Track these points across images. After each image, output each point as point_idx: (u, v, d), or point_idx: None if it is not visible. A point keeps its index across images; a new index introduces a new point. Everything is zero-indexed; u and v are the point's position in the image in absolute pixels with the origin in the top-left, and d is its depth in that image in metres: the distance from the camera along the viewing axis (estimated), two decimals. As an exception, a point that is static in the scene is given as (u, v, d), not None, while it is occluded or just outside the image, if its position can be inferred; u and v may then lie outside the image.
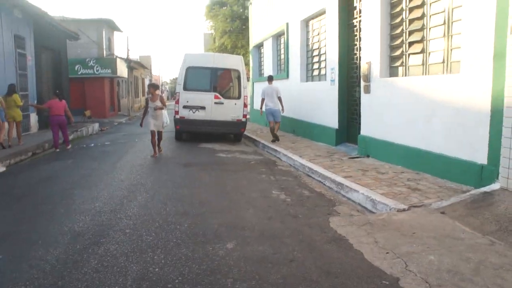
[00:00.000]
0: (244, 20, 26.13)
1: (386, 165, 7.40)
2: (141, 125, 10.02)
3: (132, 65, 33.08)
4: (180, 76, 12.23)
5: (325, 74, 10.78)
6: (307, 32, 12.52)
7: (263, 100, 11.85)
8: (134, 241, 4.08)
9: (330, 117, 10.27)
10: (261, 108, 12.10)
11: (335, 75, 9.95)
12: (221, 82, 12.38)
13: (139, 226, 4.53)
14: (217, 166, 8.40)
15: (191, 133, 12.72)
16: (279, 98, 11.63)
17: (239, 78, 12.19)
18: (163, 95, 51.99)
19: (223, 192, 6.27)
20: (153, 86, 9.99)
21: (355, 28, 9.39)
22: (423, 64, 6.86)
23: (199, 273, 3.34)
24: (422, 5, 6.83)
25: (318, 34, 11.64)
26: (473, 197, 4.97)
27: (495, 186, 5.03)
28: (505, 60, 4.84)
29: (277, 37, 15.85)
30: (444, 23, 6.28)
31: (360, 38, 8.92)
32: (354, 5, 9.36)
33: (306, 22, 12.47)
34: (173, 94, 13.94)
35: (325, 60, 10.86)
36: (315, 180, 7.03)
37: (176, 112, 11.97)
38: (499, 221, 4.15)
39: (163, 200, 5.68)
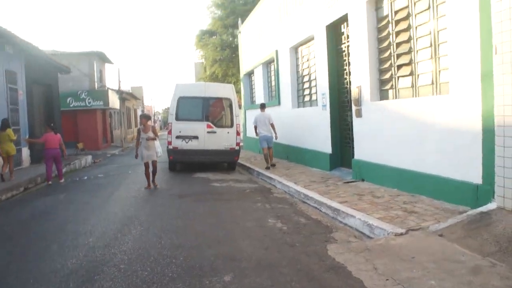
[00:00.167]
0: (234, 49, 26.47)
1: (381, 189, 7.37)
2: (136, 156, 9.82)
3: (124, 96, 33.21)
4: (172, 106, 12.27)
5: (316, 99, 10.87)
6: (297, 58, 12.69)
7: (255, 127, 11.98)
8: (128, 277, 3.98)
9: (323, 142, 10.29)
10: (256, 134, 12.13)
11: (326, 100, 10.03)
12: (213, 111, 12.42)
13: (134, 261, 4.43)
14: (212, 196, 8.33)
15: (185, 163, 12.66)
16: (272, 125, 11.78)
17: (231, 106, 12.24)
18: (156, 125, 52.03)
19: (218, 222, 6.18)
20: (145, 117, 9.95)
21: (343, 53, 9.53)
22: (412, 86, 6.94)
23: (196, 308, 3.25)
24: (408, 29, 6.96)
25: (307, 60, 11.79)
26: (470, 218, 4.94)
27: (491, 205, 5.01)
28: (492, 80, 4.91)
29: (267, 64, 16.04)
30: (431, 46, 6.39)
31: (349, 62, 9.05)
32: (342, 31, 9.52)
33: (295, 49, 12.65)
34: (165, 124, 13.97)
35: (315, 85, 10.96)
36: (311, 207, 6.97)
37: (169, 143, 11.95)
38: (499, 241, 4.11)
39: (157, 232, 5.59)
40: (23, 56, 14.08)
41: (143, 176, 9.75)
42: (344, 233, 5.37)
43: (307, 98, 12.01)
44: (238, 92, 20.56)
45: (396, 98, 7.43)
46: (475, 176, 5.37)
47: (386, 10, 7.62)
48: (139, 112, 50.70)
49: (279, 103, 13.85)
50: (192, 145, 11.90)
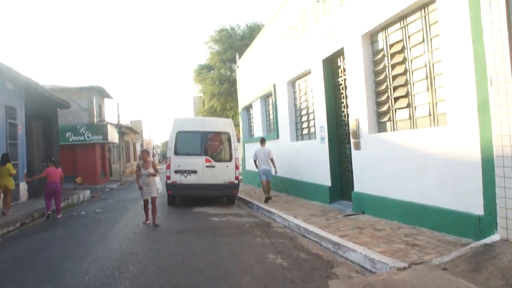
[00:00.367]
0: (232, 83, 26.83)
1: (382, 221, 7.29)
2: (140, 188, 9.31)
3: (123, 130, 33.35)
4: (170, 140, 12.30)
5: (315, 132, 10.91)
6: (294, 92, 12.82)
7: (255, 161, 12.08)
8: (125, 317, 3.86)
9: (322, 175, 10.26)
10: (256, 167, 12.15)
11: (324, 133, 10.06)
12: (211, 145, 12.45)
13: (131, 300, 4.31)
14: (211, 231, 8.21)
15: (184, 197, 12.56)
16: (272, 160, 11.89)
17: (229, 140, 12.29)
18: (155, 158, 51.96)
19: (217, 259, 6.06)
20: (146, 152, 9.85)
21: (341, 86, 9.63)
22: (410, 118, 6.98)
23: None
24: (403, 62, 7.07)
25: (305, 94, 11.91)
26: (474, 250, 4.85)
27: (495, 237, 4.93)
28: (489, 111, 4.93)
29: (265, 98, 16.19)
30: (427, 78, 6.48)
31: (346, 95, 9.14)
32: (338, 64, 9.67)
33: (292, 83, 12.80)
34: (164, 158, 13.98)
35: (313, 118, 11.03)
36: (311, 241, 6.86)
37: (168, 177, 11.90)
38: (505, 275, 4.02)
39: (155, 270, 5.47)
40: (23, 91, 14.22)
41: (141, 211, 9.64)
42: (345, 268, 5.27)
43: (305, 131, 12.05)
44: (236, 125, 20.70)
45: (394, 130, 7.46)
46: (476, 207, 5.32)
47: (381, 44, 7.77)
48: (138, 146, 50.85)
49: (277, 137, 13.90)
50: (191, 179, 11.85)
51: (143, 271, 5.44)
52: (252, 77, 17.65)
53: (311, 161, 11.01)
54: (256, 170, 12.24)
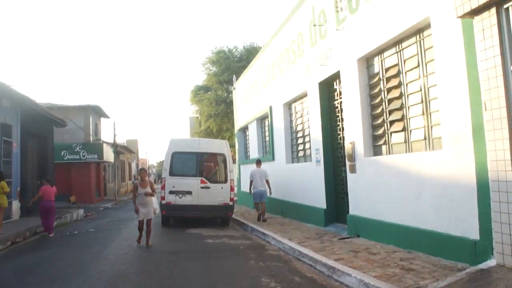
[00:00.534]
0: (229, 104, 26.94)
1: (377, 245, 7.23)
2: (136, 211, 9.04)
3: (119, 149, 33.27)
4: (166, 161, 12.29)
5: (310, 154, 10.92)
6: (290, 114, 12.88)
7: (251, 182, 12.12)
8: None
9: (317, 198, 10.22)
10: (250, 190, 12.23)
11: (320, 155, 10.07)
12: (207, 166, 12.46)
13: (120, 324, 4.21)
14: (205, 253, 8.11)
15: (178, 218, 12.46)
16: (267, 181, 11.98)
17: (225, 162, 12.30)
18: (150, 178, 51.75)
19: (210, 282, 5.95)
20: (145, 171, 9.64)
21: (336, 109, 9.69)
22: (405, 142, 7.00)
23: None
24: (399, 86, 7.14)
25: (301, 116, 11.96)
26: (470, 275, 4.80)
27: (491, 262, 4.89)
28: (484, 136, 4.96)
29: (261, 120, 16.25)
30: (422, 102, 6.53)
31: (342, 118, 9.18)
32: (334, 87, 9.75)
33: (288, 105, 12.87)
34: (159, 177, 13.92)
35: (309, 141, 11.06)
36: (306, 264, 6.78)
37: (162, 198, 11.82)
38: (500, 302, 3.97)
39: (147, 292, 5.37)
40: (19, 109, 14.22)
41: (135, 232, 9.52)
42: (340, 292, 5.19)
43: (301, 154, 12.07)
44: (232, 146, 20.70)
45: (389, 153, 7.47)
46: (472, 232, 5.29)
47: (377, 68, 7.85)
48: (133, 166, 50.65)
49: (273, 158, 13.89)
50: (186, 200, 11.78)
51: (134, 293, 5.33)
52: (249, 99, 17.75)
53: (307, 183, 10.99)
54: (250, 194, 12.38)
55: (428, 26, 6.21)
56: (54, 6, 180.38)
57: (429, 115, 6.41)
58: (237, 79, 20.67)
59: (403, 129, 7.03)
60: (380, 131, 7.73)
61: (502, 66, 4.58)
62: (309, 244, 7.76)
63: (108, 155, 28.23)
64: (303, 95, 11.43)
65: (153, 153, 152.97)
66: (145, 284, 5.80)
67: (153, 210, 9.15)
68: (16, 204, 13.76)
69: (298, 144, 12.25)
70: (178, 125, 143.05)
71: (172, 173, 11.98)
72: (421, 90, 6.57)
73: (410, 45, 6.85)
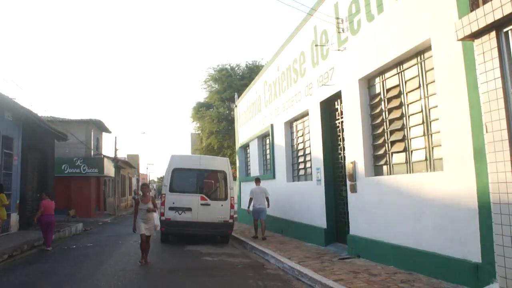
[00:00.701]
0: (231, 121, 27.00)
1: (378, 266, 7.16)
2: (134, 230, 8.98)
3: (120, 164, 33.22)
4: (166, 177, 12.28)
5: (311, 173, 10.90)
6: (291, 133, 12.91)
7: (251, 199, 12.20)
8: None
9: (318, 217, 10.16)
10: (248, 207, 12.25)
11: (321, 174, 10.05)
12: (207, 183, 12.46)
13: None
14: (203, 271, 8.03)
15: (177, 235, 12.37)
16: (267, 198, 12.10)
17: (225, 179, 12.29)
18: (151, 193, 51.63)
19: (208, 299, 5.89)
20: (147, 186, 9.45)
21: (338, 129, 9.71)
22: (406, 162, 7.00)
23: None
24: (400, 106, 7.17)
25: (302, 135, 11.98)
26: (471, 300, 4.74)
27: (494, 286, 4.83)
28: (485, 157, 4.96)
29: (262, 138, 16.27)
30: (423, 122, 6.55)
31: (343, 138, 9.19)
32: (336, 107, 9.78)
33: (290, 124, 12.91)
34: (160, 193, 13.88)
35: (310, 160, 11.05)
36: (305, 284, 6.70)
37: (162, 214, 11.75)
38: (502, 327, 3.90)
39: (143, 310, 5.30)
40: (21, 122, 14.27)
41: (133, 247, 9.45)
42: (340, 314, 5.11)
43: (302, 172, 12.05)
44: (233, 164, 20.68)
45: (390, 173, 7.45)
46: (474, 255, 5.25)
47: (378, 88, 7.90)
48: (134, 181, 50.52)
49: (274, 177, 13.86)
50: (185, 217, 11.72)
51: (131, 311, 5.26)
52: (250, 117, 17.81)
53: (307, 202, 10.94)
54: (248, 212, 12.60)
55: (429, 48, 6.27)
56: (58, 23, 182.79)
57: (430, 136, 6.42)
58: (239, 96, 20.77)
59: (404, 150, 7.03)
60: (381, 151, 7.73)
61: (502, 88, 4.61)
62: (308, 264, 7.69)
63: (109, 169, 28.20)
64: (305, 114, 11.47)
65: (154, 169, 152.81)
66: (142, 301, 5.72)
67: (154, 226, 8.99)
68: (14, 217, 13.70)
69: (299, 162, 12.24)
70: (179, 141, 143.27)
71: (172, 189, 11.95)
72: (422, 111, 6.59)
73: (411, 67, 6.91)
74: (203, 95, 37.71)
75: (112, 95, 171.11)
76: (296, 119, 12.35)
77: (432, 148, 6.37)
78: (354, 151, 8.37)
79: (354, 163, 8.35)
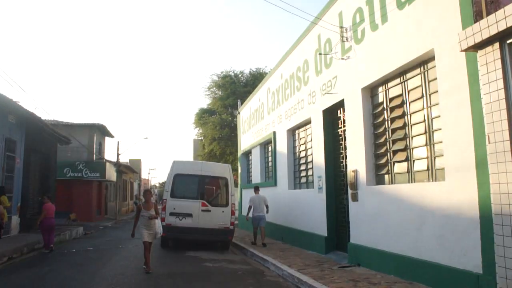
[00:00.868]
0: (233, 128, 27.05)
1: (378, 275, 7.13)
2: (132, 235, 8.92)
3: (122, 169, 33.27)
4: (167, 183, 12.29)
5: (313, 181, 10.89)
6: (294, 140, 12.92)
7: (250, 207, 12.37)
8: None
9: (319, 225, 10.14)
10: (247, 214, 12.33)
11: (322, 182, 10.05)
12: (208, 189, 12.47)
13: None
14: (202, 277, 8.01)
15: (178, 240, 12.36)
16: (266, 206, 12.26)
17: (226, 185, 12.31)
18: (152, 199, 51.63)
19: (207, 305, 5.87)
20: (150, 192, 9.29)
21: (340, 137, 9.72)
22: (408, 172, 6.99)
23: None
24: (403, 116, 7.18)
25: (304, 143, 12.00)
26: (471, 311, 4.71)
27: (494, 298, 4.81)
28: (487, 168, 4.96)
29: (265, 145, 16.28)
30: (426, 132, 6.55)
31: (345, 146, 9.20)
32: (338, 116, 9.80)
33: (292, 131, 12.93)
34: (161, 199, 13.86)
35: (312, 168, 11.06)
36: (305, 292, 6.68)
37: (163, 219, 11.72)
38: None
39: (142, 314, 5.28)
40: (24, 125, 14.34)
41: (134, 251, 9.45)
42: (339, 322, 5.09)
43: (303, 180, 12.05)
44: (235, 170, 20.67)
45: (392, 183, 7.45)
46: (475, 265, 5.22)
47: (381, 97, 7.91)
48: (135, 185, 50.55)
49: (275, 184, 13.86)
50: (186, 222, 11.71)
51: (129, 315, 5.25)
52: (253, 124, 17.84)
53: (308, 210, 10.93)
54: (247, 220, 12.81)
55: (432, 58, 6.29)
56: (64, 28, 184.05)
57: (432, 146, 6.42)
58: (242, 103, 20.83)
59: (406, 159, 7.03)
60: (383, 160, 7.73)
61: (505, 99, 4.63)
62: (308, 272, 7.67)
63: (111, 174, 28.25)
64: (307, 122, 11.49)
65: (155, 174, 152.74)
66: (141, 306, 5.71)
67: (156, 233, 8.77)
68: (15, 220, 13.73)
69: (301, 170, 12.25)
70: (182, 147, 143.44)
71: (173, 195, 11.96)
72: (424, 120, 6.60)
73: (414, 76, 6.93)
74: (206, 102, 37.72)
75: (116, 100, 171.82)
76: (298, 126, 12.37)
77: (434, 158, 6.37)
78: (356, 160, 8.37)
79: (355, 171, 8.35)
